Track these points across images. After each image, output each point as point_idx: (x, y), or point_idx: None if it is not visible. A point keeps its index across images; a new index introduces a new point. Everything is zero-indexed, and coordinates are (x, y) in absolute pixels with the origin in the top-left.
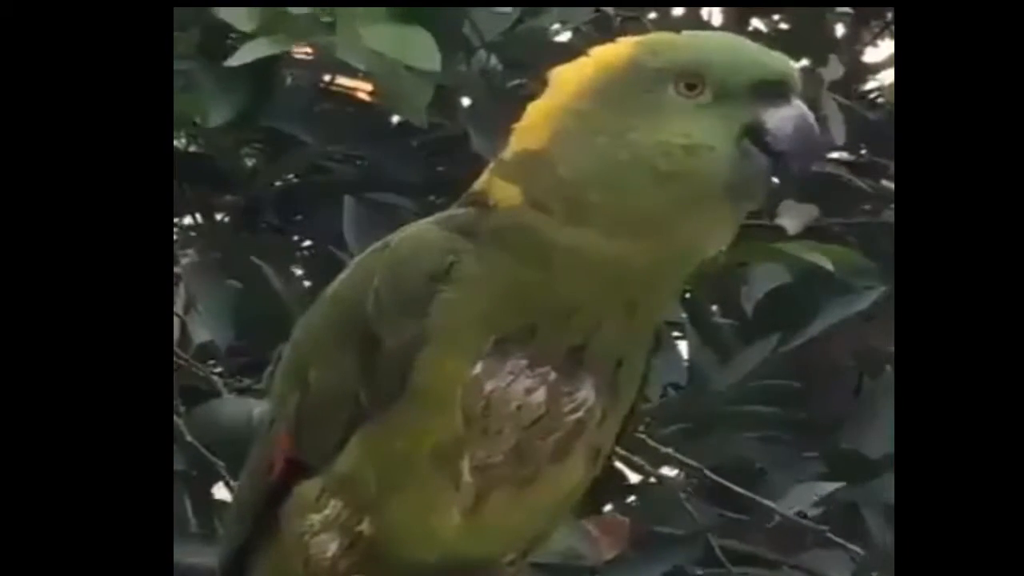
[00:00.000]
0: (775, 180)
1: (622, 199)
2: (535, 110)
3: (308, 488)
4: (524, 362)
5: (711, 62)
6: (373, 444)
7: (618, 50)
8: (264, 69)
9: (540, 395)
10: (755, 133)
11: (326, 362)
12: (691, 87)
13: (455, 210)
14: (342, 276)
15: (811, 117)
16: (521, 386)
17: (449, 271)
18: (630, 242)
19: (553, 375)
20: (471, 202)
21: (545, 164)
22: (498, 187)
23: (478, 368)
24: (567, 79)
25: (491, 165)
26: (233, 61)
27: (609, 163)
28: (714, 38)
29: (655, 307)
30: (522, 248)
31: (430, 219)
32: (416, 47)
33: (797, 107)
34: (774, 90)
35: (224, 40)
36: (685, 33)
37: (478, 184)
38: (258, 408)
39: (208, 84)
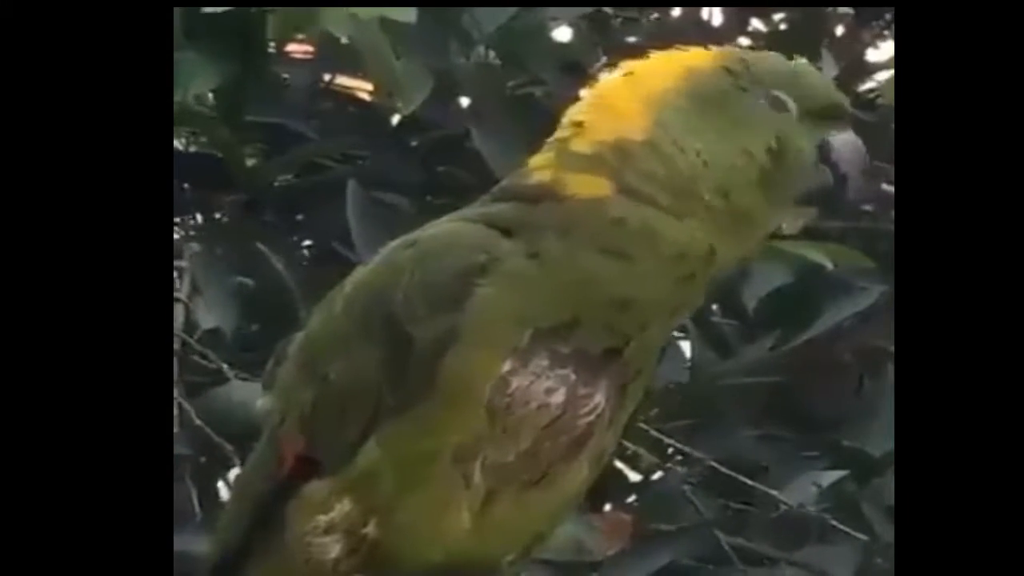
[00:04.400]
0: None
1: (730, 199)
2: (620, 99)
3: (317, 488)
4: (546, 362)
5: (798, 82)
6: (395, 443)
7: (702, 56)
8: (249, 39)
9: (559, 396)
10: (823, 152)
11: (347, 358)
12: (778, 102)
13: (493, 205)
14: (365, 271)
15: (862, 144)
16: (542, 386)
17: (485, 267)
18: (720, 237)
19: (573, 377)
20: (521, 196)
21: (651, 156)
22: (575, 180)
23: (507, 365)
24: (653, 75)
25: (543, 158)
26: (210, 8)
27: (723, 161)
28: (789, 61)
29: (691, 310)
30: (601, 236)
31: (462, 214)
32: (394, 10)
33: (852, 134)
34: (837, 115)
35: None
36: (760, 53)
37: (535, 177)
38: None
39: (190, 55)
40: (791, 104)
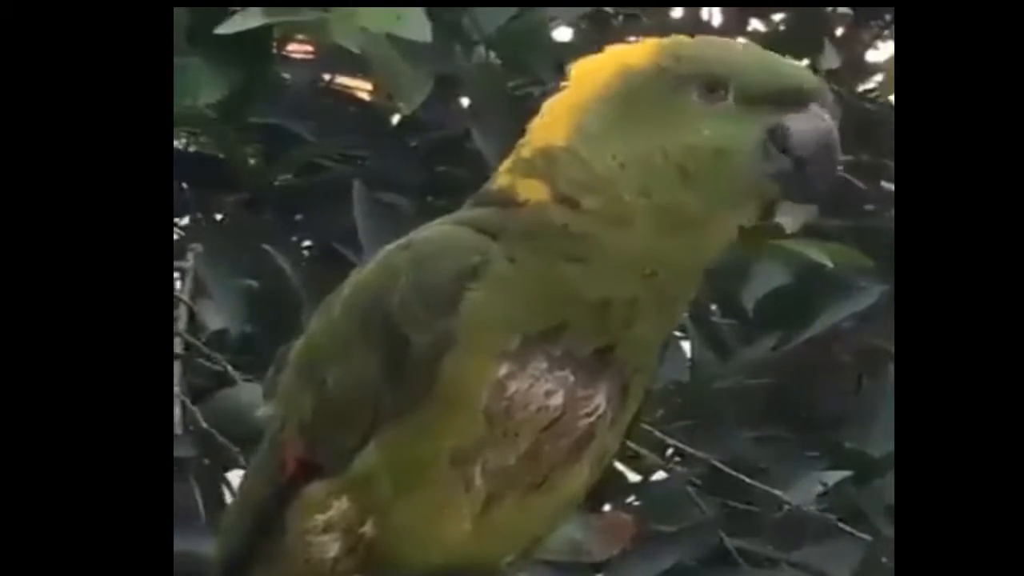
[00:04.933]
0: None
1: (653, 199)
2: (555, 106)
3: (316, 489)
4: (544, 365)
5: (735, 71)
6: (394, 446)
7: (640, 52)
8: (256, 47)
9: (558, 398)
10: (778, 137)
11: (346, 363)
12: (713, 92)
13: (474, 210)
14: (362, 275)
15: (834, 126)
16: (541, 389)
17: (477, 270)
18: (666, 236)
19: (571, 378)
20: (493, 201)
21: (571, 160)
22: (523, 185)
23: (504, 369)
24: (587, 77)
25: (506, 163)
26: (223, 29)
27: (637, 162)
28: (737, 47)
29: (684, 302)
30: (557, 242)
31: (450, 218)
32: (407, 20)
33: (819, 114)
34: (797, 98)
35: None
36: (707, 39)
37: (498, 182)
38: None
39: (198, 63)
40: (728, 92)
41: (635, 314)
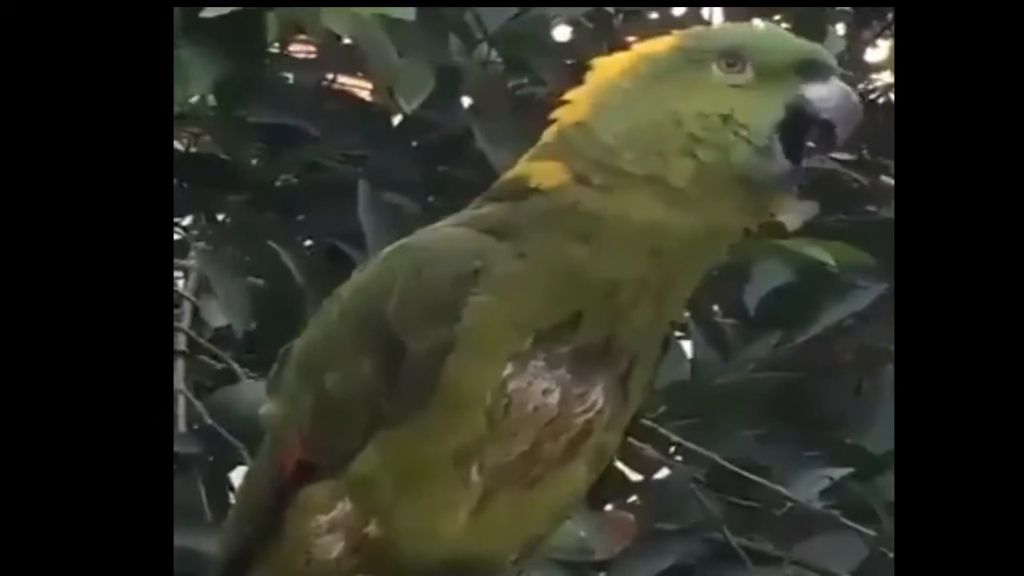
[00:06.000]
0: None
1: (657, 164)
2: (576, 94)
3: (317, 490)
4: (542, 363)
5: (753, 43)
6: (394, 448)
7: (661, 40)
8: (246, 37)
9: (555, 396)
10: (797, 107)
11: (344, 366)
12: (732, 65)
13: (483, 207)
14: (359, 276)
15: (852, 91)
16: (539, 387)
17: (478, 274)
18: (666, 210)
19: (568, 376)
20: (504, 193)
21: (587, 135)
22: (539, 169)
23: (508, 369)
24: (609, 65)
25: (526, 155)
26: (207, 13)
27: (647, 128)
28: (755, 25)
29: (683, 290)
30: (569, 225)
31: (455, 218)
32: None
33: (838, 82)
34: (815, 68)
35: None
36: (721, 25)
37: (511, 174)
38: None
39: (187, 55)
40: (748, 65)
41: (638, 295)
